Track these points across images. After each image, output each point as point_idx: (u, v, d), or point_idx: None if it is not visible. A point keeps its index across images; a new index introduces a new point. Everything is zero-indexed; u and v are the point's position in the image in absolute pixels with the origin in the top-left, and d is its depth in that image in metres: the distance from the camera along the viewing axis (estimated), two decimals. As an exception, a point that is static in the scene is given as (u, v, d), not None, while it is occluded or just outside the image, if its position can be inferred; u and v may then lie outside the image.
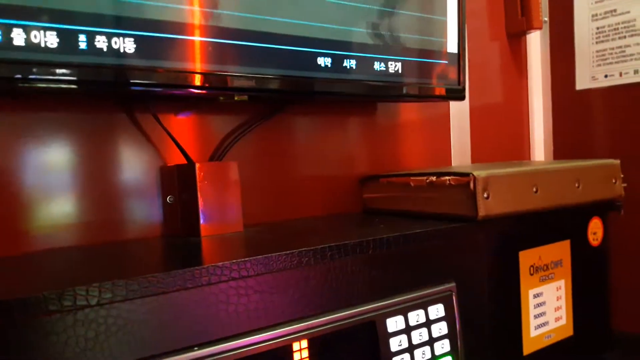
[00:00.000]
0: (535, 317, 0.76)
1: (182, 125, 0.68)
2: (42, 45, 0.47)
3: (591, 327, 0.84)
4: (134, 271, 0.43)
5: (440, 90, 0.79)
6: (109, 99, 0.63)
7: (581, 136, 1.06)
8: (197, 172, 0.61)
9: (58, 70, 0.48)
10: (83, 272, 0.48)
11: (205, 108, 0.70)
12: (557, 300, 0.79)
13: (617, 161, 0.82)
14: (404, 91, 0.75)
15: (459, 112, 0.99)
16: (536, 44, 1.11)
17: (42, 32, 0.47)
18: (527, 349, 0.75)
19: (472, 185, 0.65)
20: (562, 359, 0.80)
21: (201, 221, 0.62)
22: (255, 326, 0.48)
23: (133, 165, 0.65)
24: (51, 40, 0.47)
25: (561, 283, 0.80)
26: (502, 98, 1.09)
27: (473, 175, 0.65)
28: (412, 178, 0.74)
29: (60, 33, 0.47)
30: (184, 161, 0.65)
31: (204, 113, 0.70)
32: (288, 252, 0.49)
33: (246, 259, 0.47)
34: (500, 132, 1.08)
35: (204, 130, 0.70)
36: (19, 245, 0.57)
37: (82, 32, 0.48)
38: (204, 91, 0.57)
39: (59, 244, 0.59)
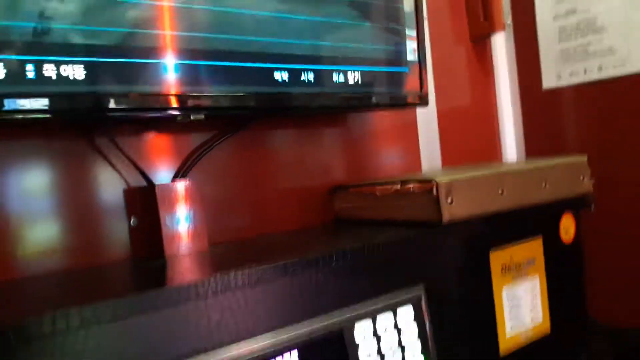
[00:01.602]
0: (511, 317, 0.76)
1: (144, 145, 0.68)
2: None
3: (568, 324, 0.85)
4: (90, 298, 0.43)
5: (403, 98, 0.80)
6: (70, 125, 0.63)
7: (552, 134, 1.07)
8: (158, 193, 0.61)
9: (5, 101, 0.48)
10: (39, 300, 0.47)
11: (165, 128, 0.70)
12: (532, 298, 0.80)
13: (584, 158, 0.83)
14: (366, 101, 0.75)
15: (427, 117, 1.00)
16: (501, 45, 1.12)
17: (-13, 63, 0.47)
18: (504, 349, 0.75)
19: (435, 191, 0.66)
20: (539, 357, 0.80)
21: (165, 242, 0.62)
22: (217, 346, 0.48)
23: (98, 189, 0.65)
24: (-2, 71, 0.47)
25: (535, 281, 0.80)
26: (470, 101, 1.10)
27: (435, 181, 0.66)
28: (378, 187, 0.74)
29: (6, 64, 0.47)
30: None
31: (165, 132, 0.70)
32: (247, 269, 0.49)
33: (204, 278, 0.47)
34: (470, 135, 1.09)
35: (166, 150, 0.70)
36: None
37: (29, 61, 0.48)
38: (159, 113, 0.57)
39: (23, 273, 0.59)
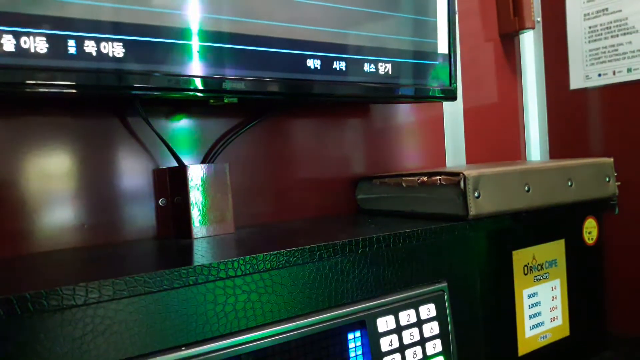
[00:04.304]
0: (530, 317, 0.76)
1: (174, 128, 0.69)
2: (32, 50, 0.48)
3: (588, 328, 0.84)
4: (121, 271, 0.43)
5: (431, 91, 0.79)
6: (102, 104, 0.63)
7: (577, 136, 1.06)
8: (189, 174, 0.62)
9: (47, 75, 0.48)
10: (71, 272, 0.48)
11: (196, 111, 0.70)
12: (553, 300, 0.79)
13: (610, 159, 0.82)
14: (395, 92, 0.75)
15: (453, 113, 1.00)
16: (529, 44, 1.11)
17: (31, 37, 0.47)
18: (523, 349, 0.75)
19: (462, 184, 0.65)
20: (558, 359, 0.79)
21: (193, 223, 0.62)
22: (243, 326, 0.49)
23: (127, 168, 0.65)
24: (40, 45, 0.48)
25: (556, 283, 0.80)
26: (496, 99, 1.09)
27: (463, 174, 0.65)
28: (404, 178, 0.74)
29: (49, 39, 0.48)
30: (176, 164, 0.65)
31: (195, 116, 0.70)
32: (275, 252, 0.50)
33: (233, 258, 0.47)
34: (495, 133, 1.08)
35: (196, 133, 0.70)
36: (16, 247, 0.58)
37: (70, 37, 0.49)
38: (196, 93, 0.57)
39: (54, 246, 0.60)
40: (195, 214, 0.63)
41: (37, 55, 0.48)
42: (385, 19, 0.73)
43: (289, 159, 0.79)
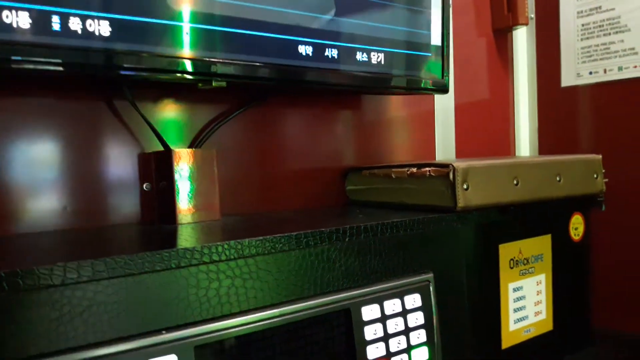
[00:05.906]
0: (515, 311, 0.76)
1: (161, 112, 0.68)
2: (15, 25, 0.46)
3: (571, 322, 0.84)
4: (101, 253, 0.42)
5: (423, 83, 0.79)
6: (88, 85, 0.62)
7: (566, 133, 1.07)
8: (174, 158, 0.61)
9: (32, 51, 0.47)
10: (49, 252, 0.47)
11: (185, 95, 0.69)
12: (537, 294, 0.79)
13: (599, 156, 0.82)
14: (387, 83, 0.74)
15: (444, 107, 0.99)
16: (522, 40, 1.11)
17: (13, 12, 0.46)
18: (506, 342, 0.75)
19: (451, 175, 0.65)
20: (541, 353, 0.80)
21: (177, 208, 0.61)
22: (226, 311, 0.48)
23: (112, 152, 0.64)
24: (23, 20, 0.47)
25: (541, 277, 0.80)
26: (488, 94, 1.09)
27: (452, 166, 0.65)
28: (393, 169, 0.74)
29: (32, 13, 0.47)
30: (162, 148, 0.64)
31: (183, 100, 0.69)
32: (261, 237, 0.49)
33: (217, 243, 0.46)
34: (485, 129, 1.09)
35: (184, 118, 0.69)
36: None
37: (54, 13, 0.48)
38: (185, 75, 0.56)
39: (34, 229, 0.59)
40: (180, 200, 0.62)
41: (20, 30, 0.46)
42: (380, 7, 0.72)
43: (278, 148, 0.79)
